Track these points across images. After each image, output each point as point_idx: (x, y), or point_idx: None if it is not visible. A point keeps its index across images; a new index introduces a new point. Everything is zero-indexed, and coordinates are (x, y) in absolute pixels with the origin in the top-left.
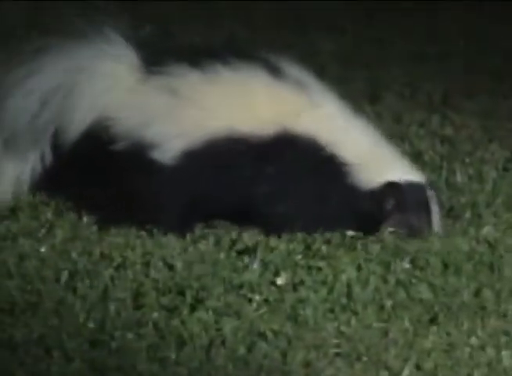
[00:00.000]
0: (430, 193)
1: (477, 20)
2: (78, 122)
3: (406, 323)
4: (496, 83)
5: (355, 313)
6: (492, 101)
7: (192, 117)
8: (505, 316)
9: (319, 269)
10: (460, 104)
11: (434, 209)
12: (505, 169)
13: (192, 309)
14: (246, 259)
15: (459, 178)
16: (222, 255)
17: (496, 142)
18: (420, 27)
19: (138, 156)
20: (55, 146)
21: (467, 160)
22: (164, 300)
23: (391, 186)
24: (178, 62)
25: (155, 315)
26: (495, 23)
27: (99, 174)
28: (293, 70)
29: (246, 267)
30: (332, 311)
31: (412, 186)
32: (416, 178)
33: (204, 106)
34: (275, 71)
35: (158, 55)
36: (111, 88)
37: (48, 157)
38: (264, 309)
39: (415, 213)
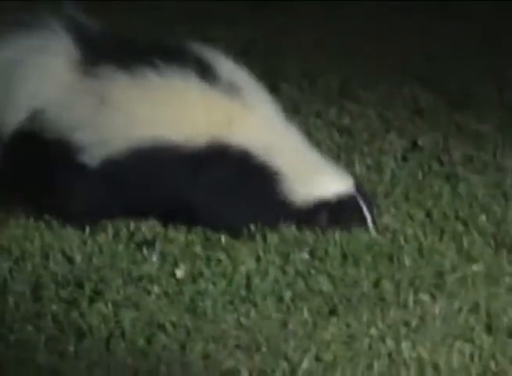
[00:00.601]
0: (362, 202)
1: (377, 10)
2: (13, 116)
3: (306, 315)
4: (393, 72)
5: (255, 305)
6: (389, 91)
7: (117, 125)
8: (405, 306)
9: (219, 260)
10: (357, 94)
11: (368, 217)
12: (404, 159)
13: (92, 301)
14: (145, 251)
15: (357, 168)
16: (121, 247)
17: (394, 132)
18: (320, 18)
19: (63, 155)
20: None
21: (365, 150)
22: (63, 292)
23: (323, 205)
24: (112, 61)
25: (54, 307)
26: (394, 13)
27: (28, 167)
28: (227, 68)
29: (145, 259)
30: (231, 303)
31: (343, 199)
32: (347, 189)
33: (131, 113)
34: (206, 73)
35: (98, 51)
36: (46, 82)
37: None
38: (163, 301)
39: (349, 225)
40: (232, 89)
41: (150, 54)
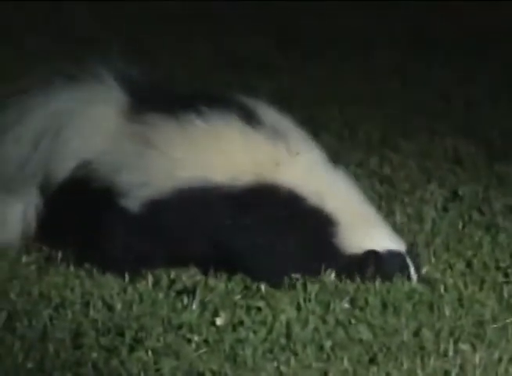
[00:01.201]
0: (409, 261)
1: (413, 61)
2: (63, 166)
3: (346, 364)
4: (433, 123)
5: (295, 353)
6: (430, 141)
7: (161, 167)
8: (445, 356)
9: (259, 309)
10: (398, 144)
11: (413, 278)
12: (444, 209)
13: (132, 349)
14: (185, 299)
15: (398, 218)
16: (161, 295)
17: (435, 182)
18: (357, 68)
19: (108, 201)
20: (45, 190)
21: (406, 200)
22: (104, 340)
23: (372, 255)
24: (158, 108)
25: (94, 355)
26: (431, 64)
27: (73, 215)
28: (271, 115)
29: (185, 307)
30: (271, 351)
31: (392, 255)
32: (396, 246)
33: (174, 156)
34: (250, 118)
35: (145, 99)
36: (95, 133)
37: (39, 201)
38: (203, 349)
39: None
40: (276, 134)
41: (196, 101)
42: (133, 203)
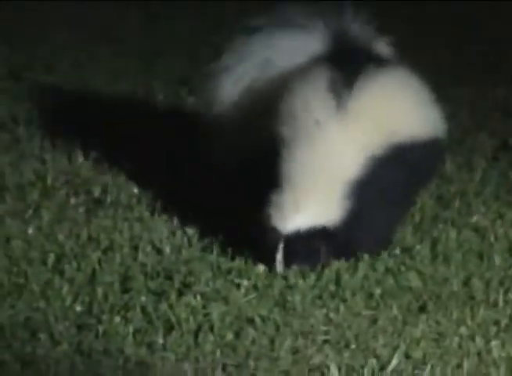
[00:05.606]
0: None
1: (465, 8)
2: None
3: (395, 311)
4: (485, 72)
5: (344, 300)
6: (481, 90)
7: None
8: (494, 305)
9: None
10: (449, 93)
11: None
12: (494, 158)
13: (180, 293)
14: None
15: (448, 167)
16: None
17: (485, 132)
18: (409, 16)
19: None
20: None
21: (456, 149)
22: (152, 284)
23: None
24: None
25: (143, 299)
26: (483, 11)
27: None
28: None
29: (234, 252)
30: (320, 298)
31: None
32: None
33: None
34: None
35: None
36: None
37: None
38: (252, 295)
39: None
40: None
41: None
42: None
